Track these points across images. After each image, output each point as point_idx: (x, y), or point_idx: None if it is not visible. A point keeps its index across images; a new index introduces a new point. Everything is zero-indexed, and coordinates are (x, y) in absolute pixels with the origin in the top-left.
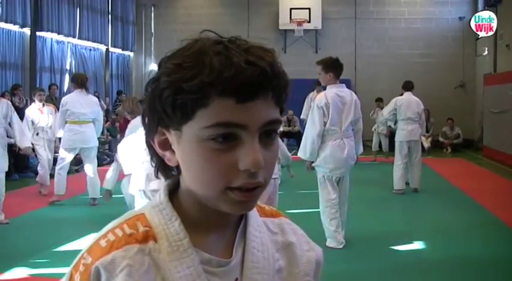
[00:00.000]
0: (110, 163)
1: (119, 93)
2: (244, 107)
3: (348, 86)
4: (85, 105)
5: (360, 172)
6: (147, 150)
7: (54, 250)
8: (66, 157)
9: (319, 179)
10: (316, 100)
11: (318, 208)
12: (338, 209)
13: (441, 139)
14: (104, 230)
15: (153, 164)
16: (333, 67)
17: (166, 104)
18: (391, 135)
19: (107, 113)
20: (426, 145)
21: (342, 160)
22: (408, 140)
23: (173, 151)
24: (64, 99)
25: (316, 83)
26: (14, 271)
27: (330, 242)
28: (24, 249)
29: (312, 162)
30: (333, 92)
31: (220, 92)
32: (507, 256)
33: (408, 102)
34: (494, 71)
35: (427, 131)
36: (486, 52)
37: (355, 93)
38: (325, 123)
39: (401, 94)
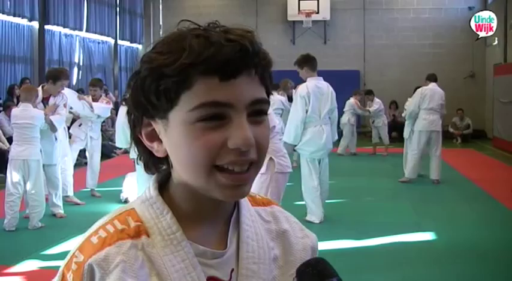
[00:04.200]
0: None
1: None
2: (228, 85)
3: (357, 77)
4: None
5: (371, 164)
6: (135, 148)
7: (65, 242)
8: None
9: (302, 163)
10: (299, 91)
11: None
12: (319, 190)
13: (451, 130)
14: (93, 227)
15: (139, 163)
16: (304, 61)
17: (149, 92)
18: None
19: (115, 106)
20: None
21: (321, 144)
22: (429, 131)
23: (160, 141)
24: None
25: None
26: (25, 264)
27: (309, 217)
28: (35, 242)
29: (295, 146)
30: (313, 83)
31: (203, 72)
32: None
33: (433, 93)
34: (505, 61)
35: None
36: (496, 42)
37: (364, 84)
38: (306, 111)
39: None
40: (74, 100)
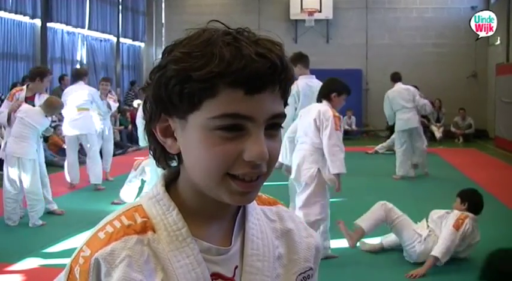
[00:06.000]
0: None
1: (132, 83)
2: (252, 99)
3: (359, 76)
4: None
5: (373, 162)
6: (147, 138)
7: (66, 240)
8: None
9: None
10: None
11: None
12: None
13: (453, 129)
14: (101, 222)
15: (151, 153)
16: (298, 59)
17: (172, 93)
18: (392, 125)
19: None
20: (438, 134)
21: None
22: (407, 129)
23: (175, 138)
24: None
25: None
26: (26, 262)
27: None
28: (36, 240)
29: None
30: (304, 82)
31: (229, 83)
32: None
33: (398, 92)
34: (507, 61)
35: (439, 121)
36: (498, 42)
37: (367, 83)
38: (296, 109)
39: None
40: (97, 98)
